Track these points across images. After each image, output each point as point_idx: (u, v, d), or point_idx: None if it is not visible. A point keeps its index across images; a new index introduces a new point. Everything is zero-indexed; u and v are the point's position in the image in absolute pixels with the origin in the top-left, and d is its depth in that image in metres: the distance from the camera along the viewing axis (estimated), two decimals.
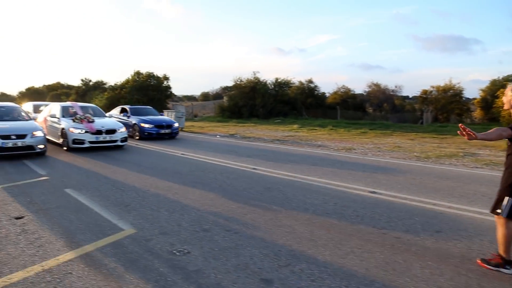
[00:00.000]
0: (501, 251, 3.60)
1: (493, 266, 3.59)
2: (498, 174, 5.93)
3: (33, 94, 60.35)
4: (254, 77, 33.55)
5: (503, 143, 3.97)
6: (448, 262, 3.72)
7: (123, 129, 12.03)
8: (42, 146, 9.75)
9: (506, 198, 3.51)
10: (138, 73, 36.46)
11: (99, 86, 47.06)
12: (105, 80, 48.44)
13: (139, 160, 9.85)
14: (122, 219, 4.76)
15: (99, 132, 11.31)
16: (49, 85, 66.05)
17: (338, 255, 3.81)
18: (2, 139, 8.99)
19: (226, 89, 47.52)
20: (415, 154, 11.55)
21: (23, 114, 11.17)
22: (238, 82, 34.08)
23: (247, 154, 11.13)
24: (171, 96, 39.73)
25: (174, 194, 6.13)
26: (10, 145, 9.06)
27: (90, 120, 11.62)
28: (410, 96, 48.61)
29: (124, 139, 11.94)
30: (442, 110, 29.95)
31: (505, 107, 3.65)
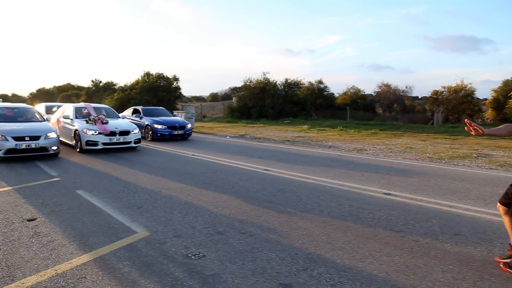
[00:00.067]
0: None
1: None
2: None
3: (43, 95, 61.03)
4: (264, 77, 33.52)
5: None
6: (469, 266, 3.60)
7: (137, 131, 11.95)
8: (55, 148, 9.73)
9: None
10: (148, 74, 36.68)
11: (109, 87, 47.41)
12: (115, 81, 48.89)
13: (149, 161, 9.82)
14: (135, 221, 4.70)
15: (112, 133, 11.24)
16: (59, 86, 66.78)
17: (356, 258, 3.71)
18: (16, 140, 8.98)
19: (235, 89, 47.48)
20: (427, 155, 11.37)
21: (36, 115, 11.15)
22: (247, 83, 34.04)
23: (258, 155, 11.05)
24: (181, 97, 39.87)
25: (187, 195, 6.07)
26: (23, 146, 9.05)
27: (104, 121, 11.57)
28: (420, 97, 48.17)
29: (137, 141, 11.88)
30: (453, 111, 29.55)
31: None
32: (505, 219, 3.64)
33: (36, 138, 9.28)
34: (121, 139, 11.38)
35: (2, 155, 8.86)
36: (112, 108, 14.30)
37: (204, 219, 4.84)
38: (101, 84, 50.13)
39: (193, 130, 19.72)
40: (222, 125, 25.97)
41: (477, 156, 11.06)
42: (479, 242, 4.22)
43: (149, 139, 14.88)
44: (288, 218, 4.97)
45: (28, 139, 9.14)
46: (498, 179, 7.76)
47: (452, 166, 9.56)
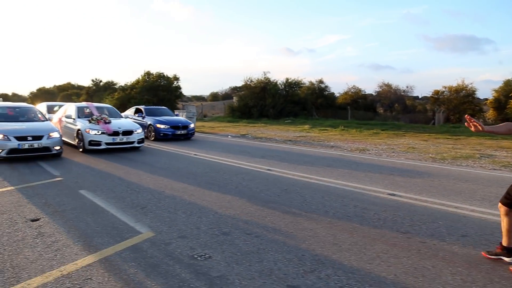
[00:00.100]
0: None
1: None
2: None
3: (44, 94, 60.99)
4: (265, 77, 33.50)
5: None
6: (479, 268, 3.56)
7: (140, 130, 11.84)
8: (58, 148, 9.64)
9: None
10: (148, 74, 36.63)
11: (109, 87, 47.38)
12: (115, 81, 48.81)
13: (152, 160, 9.78)
14: (139, 222, 4.67)
15: (116, 133, 11.13)
16: (59, 86, 66.72)
17: (364, 260, 3.67)
18: (18, 140, 8.89)
19: (235, 89, 47.47)
20: (430, 155, 11.33)
21: (38, 114, 11.05)
22: (248, 82, 34.00)
23: (260, 155, 11.01)
24: (181, 96, 39.83)
25: (190, 195, 6.03)
26: (26, 146, 8.97)
27: (107, 121, 11.46)
28: (420, 97, 48.15)
29: (141, 141, 11.78)
30: (454, 111, 29.53)
31: None
32: (504, 220, 3.67)
33: (39, 138, 9.20)
34: (124, 139, 11.28)
35: (5, 155, 8.78)
36: (114, 108, 14.16)
37: (209, 220, 4.80)
38: (101, 83, 50.09)
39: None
40: (223, 124, 25.93)
41: (480, 156, 11.02)
42: (487, 244, 4.18)
43: (152, 139, 14.79)
44: (293, 218, 4.93)
45: (30, 139, 9.06)
46: (502, 180, 7.71)
47: (456, 166, 9.52)
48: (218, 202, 5.64)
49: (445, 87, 31.04)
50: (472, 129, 3.37)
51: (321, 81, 36.23)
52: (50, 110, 15.24)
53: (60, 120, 12.58)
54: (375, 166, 9.26)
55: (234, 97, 42.29)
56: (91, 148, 10.84)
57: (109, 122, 11.45)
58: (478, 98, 31.65)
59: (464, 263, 3.68)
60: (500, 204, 3.72)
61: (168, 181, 7.15)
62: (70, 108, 12.71)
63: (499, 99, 28.43)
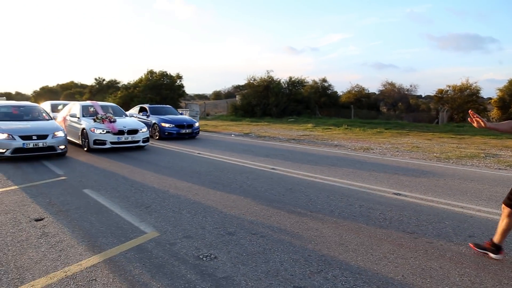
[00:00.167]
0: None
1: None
2: None
3: (47, 93, 61.04)
4: (268, 76, 33.42)
5: None
6: (487, 269, 3.52)
7: (145, 129, 11.76)
8: (63, 147, 9.59)
9: None
10: (151, 72, 36.63)
11: (112, 85, 47.38)
12: (118, 79, 48.74)
13: (155, 159, 9.76)
14: (143, 222, 4.64)
15: (121, 132, 11.06)
16: (63, 84, 66.79)
17: (371, 261, 3.63)
18: (23, 139, 8.83)
19: (238, 88, 47.41)
20: (434, 154, 11.26)
21: (43, 113, 10.97)
22: (251, 81, 33.94)
23: (264, 154, 10.97)
24: (184, 95, 39.83)
25: (195, 195, 6.00)
26: (31, 145, 8.90)
27: (112, 120, 11.37)
28: (423, 96, 47.97)
29: (146, 140, 11.70)
30: (458, 110, 29.41)
31: None
32: (504, 220, 3.67)
33: (44, 137, 9.14)
34: (130, 138, 11.20)
35: (10, 155, 8.72)
36: (119, 106, 14.05)
37: (214, 219, 4.77)
38: (104, 82, 50.07)
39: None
40: (226, 123, 25.89)
41: (485, 156, 10.94)
42: None
43: (156, 138, 14.71)
44: (298, 218, 4.89)
45: (35, 138, 9.00)
46: (508, 180, 7.65)
47: (461, 166, 9.45)
48: (223, 202, 5.60)
49: (449, 86, 30.97)
50: (475, 124, 3.38)
51: (324, 80, 36.18)
52: (54, 109, 15.19)
53: (64, 119, 12.52)
54: (379, 165, 9.21)
55: (237, 96, 42.24)
56: (96, 148, 10.77)
57: (114, 121, 11.36)
58: (482, 97, 31.54)
59: (472, 264, 3.64)
60: (503, 205, 3.72)
61: (172, 180, 7.12)
62: (74, 107, 12.62)
63: (504, 98, 28.30)
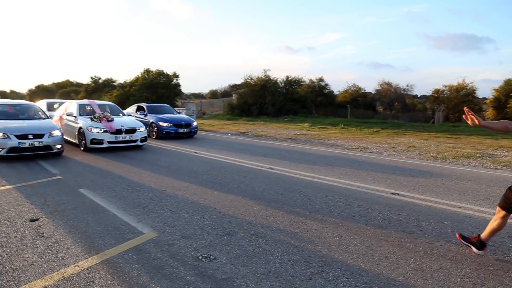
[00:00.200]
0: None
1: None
2: None
3: (42, 91, 60.54)
4: (265, 75, 33.31)
5: None
6: (487, 270, 3.51)
7: (143, 129, 11.56)
8: (59, 146, 9.41)
9: None
10: (147, 71, 36.48)
11: (108, 84, 47.15)
12: (114, 78, 48.56)
13: (152, 158, 9.68)
14: (141, 222, 4.58)
15: (118, 131, 10.89)
16: (58, 83, 66.36)
17: (371, 261, 3.60)
18: (19, 138, 8.63)
19: (234, 87, 47.32)
20: (431, 154, 11.27)
21: (39, 112, 10.75)
22: (248, 80, 33.85)
23: (261, 153, 10.93)
24: (180, 94, 39.69)
25: (192, 194, 5.95)
26: (27, 145, 8.69)
27: (110, 119, 11.18)
28: (419, 95, 48.11)
29: (144, 139, 11.53)
30: (454, 110, 29.47)
31: None
32: (496, 221, 3.72)
33: (40, 136, 8.96)
34: (127, 137, 11.02)
35: (5, 154, 8.52)
36: (116, 105, 13.80)
37: (212, 220, 4.72)
38: (100, 80, 49.81)
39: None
40: (223, 122, 25.81)
41: (481, 156, 10.97)
42: (494, 245, 4.12)
43: (154, 137, 14.55)
44: (297, 218, 4.85)
45: (31, 137, 8.80)
46: (505, 180, 7.65)
47: (457, 166, 9.46)
48: (221, 202, 5.56)
49: (445, 86, 31.02)
50: (469, 122, 3.39)
51: (321, 79, 36.15)
52: (50, 107, 14.95)
53: (61, 118, 12.30)
54: (377, 165, 9.19)
55: (233, 95, 42.12)
56: (93, 147, 10.60)
57: (112, 120, 11.18)
58: (477, 97, 31.66)
59: (472, 264, 3.62)
60: (498, 208, 3.76)
61: (169, 179, 7.06)
62: (71, 105, 12.39)
63: (499, 98, 28.40)
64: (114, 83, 46.07)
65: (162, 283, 3.06)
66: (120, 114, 12.59)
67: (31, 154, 8.99)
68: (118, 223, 4.53)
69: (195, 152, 10.92)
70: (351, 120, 25.78)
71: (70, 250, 3.70)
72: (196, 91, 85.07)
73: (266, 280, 3.15)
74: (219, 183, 6.78)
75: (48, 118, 10.72)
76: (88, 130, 10.61)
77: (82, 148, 10.86)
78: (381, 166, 9.03)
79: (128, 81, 38.09)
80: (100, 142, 10.62)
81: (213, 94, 77.15)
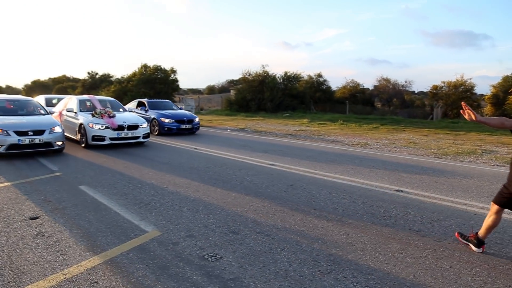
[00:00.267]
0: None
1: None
2: None
3: (38, 87, 60.16)
4: (263, 70, 33.16)
5: None
6: (498, 269, 3.45)
7: (145, 125, 11.33)
8: (60, 143, 9.17)
9: None
10: (145, 66, 36.25)
11: (105, 79, 46.87)
12: (111, 73, 48.25)
13: (152, 155, 9.58)
14: (144, 220, 4.49)
15: (121, 128, 10.62)
16: (54, 78, 65.84)
17: (380, 260, 3.53)
18: (19, 135, 8.37)
19: (232, 82, 47.16)
20: (432, 150, 11.23)
21: (39, 108, 10.48)
22: (246, 76, 33.68)
23: (261, 149, 10.84)
24: (178, 89, 39.50)
25: (195, 191, 5.86)
26: (27, 142, 8.45)
27: (111, 114, 10.93)
28: (416, 91, 48.06)
29: (146, 135, 11.27)
30: (452, 106, 29.45)
31: None
32: (492, 217, 3.75)
33: (40, 132, 8.72)
34: (130, 133, 10.79)
35: (4, 151, 8.26)
36: (117, 101, 13.47)
37: (216, 217, 4.63)
38: (97, 76, 49.49)
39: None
40: (221, 118, 25.68)
41: (482, 152, 10.93)
42: (503, 244, 4.07)
43: (155, 134, 14.28)
44: (302, 216, 4.78)
45: (31, 133, 8.55)
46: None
47: (459, 162, 9.41)
48: (224, 199, 5.47)
49: (444, 82, 31.00)
50: (466, 116, 3.41)
51: (319, 75, 36.03)
52: (49, 103, 14.67)
53: (60, 114, 12.02)
54: (378, 161, 9.13)
55: (231, 90, 41.97)
56: (94, 144, 10.36)
57: (114, 116, 10.91)
58: (475, 94, 31.64)
59: (482, 263, 3.56)
60: (492, 203, 3.79)
61: (171, 176, 6.96)
62: (71, 101, 12.11)
63: (497, 95, 28.41)
64: (111, 79, 45.83)
65: (169, 283, 2.98)
66: (121, 110, 12.34)
67: (31, 151, 8.76)
68: (120, 221, 4.44)
69: (195, 148, 10.82)
70: (350, 116, 25.72)
71: (72, 249, 3.61)
72: (193, 87, 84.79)
73: (274, 280, 3.08)
74: (221, 180, 6.70)
75: (48, 114, 10.43)
76: (90, 126, 10.36)
77: (83, 145, 10.61)
78: (383, 163, 8.96)
79: (125, 77, 37.86)
80: (102, 138, 10.37)
81: (211, 90, 76.88)
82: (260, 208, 5.07)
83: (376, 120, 22.80)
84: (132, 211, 4.82)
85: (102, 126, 10.41)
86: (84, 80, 50.54)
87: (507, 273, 3.37)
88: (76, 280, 3.01)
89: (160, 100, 17.43)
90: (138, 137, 11.02)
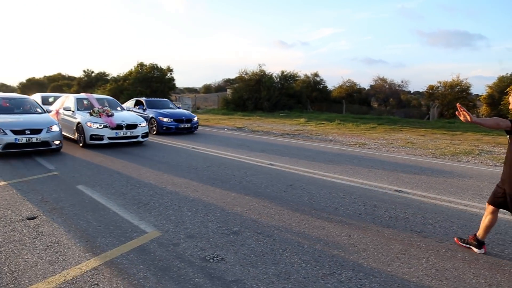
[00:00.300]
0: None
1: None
2: None
3: (33, 85, 59.65)
4: (260, 69, 33.07)
5: None
6: (501, 270, 3.43)
7: (144, 124, 11.20)
8: (58, 142, 9.02)
9: None
10: (141, 65, 36.05)
11: (101, 78, 46.62)
12: (107, 72, 48.01)
13: (150, 154, 9.50)
14: (143, 220, 4.43)
15: (119, 127, 10.47)
16: (50, 76, 65.41)
17: (383, 261, 3.50)
18: (15, 134, 8.21)
19: (229, 81, 47.05)
20: (430, 151, 11.23)
21: (36, 106, 10.30)
22: (243, 75, 33.59)
23: (259, 149, 10.80)
24: (174, 88, 39.33)
25: (194, 191, 5.81)
26: (24, 141, 8.30)
27: (110, 113, 10.76)
28: (412, 91, 48.19)
29: (145, 135, 11.14)
30: (448, 106, 29.52)
31: (511, 106, 3.75)
32: (488, 217, 3.76)
33: (38, 131, 8.55)
34: (128, 133, 10.63)
35: (0, 150, 8.10)
36: (115, 99, 13.29)
37: (216, 218, 4.59)
38: (93, 74, 49.21)
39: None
40: (218, 117, 25.60)
41: (480, 152, 10.95)
42: (505, 244, 4.06)
43: (154, 133, 14.09)
44: (303, 216, 4.74)
45: (28, 132, 8.40)
46: None
47: (457, 162, 9.42)
48: (224, 199, 5.42)
49: (440, 82, 31.06)
50: (461, 118, 3.40)
51: (316, 74, 35.97)
52: (45, 101, 14.41)
53: (57, 113, 11.83)
54: (377, 161, 9.12)
55: (228, 90, 41.87)
56: (92, 143, 10.20)
57: (112, 115, 10.76)
58: (470, 94, 31.75)
59: (485, 264, 3.54)
60: (487, 203, 3.82)
61: (169, 176, 6.90)
62: (68, 99, 11.92)
63: (493, 95, 28.47)
64: (107, 77, 45.57)
65: (170, 285, 2.93)
66: (119, 109, 12.18)
67: (29, 151, 8.62)
68: (119, 221, 4.38)
69: (193, 147, 10.76)
70: (346, 116, 25.73)
71: (71, 250, 3.55)
72: (190, 85, 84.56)
73: (277, 282, 3.04)
74: (220, 180, 6.65)
75: (45, 112, 10.25)
76: (88, 125, 10.20)
77: (81, 144, 10.45)
78: (381, 163, 8.95)
79: (121, 75, 37.64)
80: (100, 138, 10.22)
81: (207, 89, 76.73)
82: (260, 208, 5.03)
83: (373, 120, 22.82)
84: (131, 211, 4.76)
85: (100, 125, 10.26)
86: (80, 78, 50.22)
87: (511, 275, 3.35)
88: (76, 282, 2.96)
89: (158, 99, 17.27)
90: (137, 137, 10.88)
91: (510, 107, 3.79)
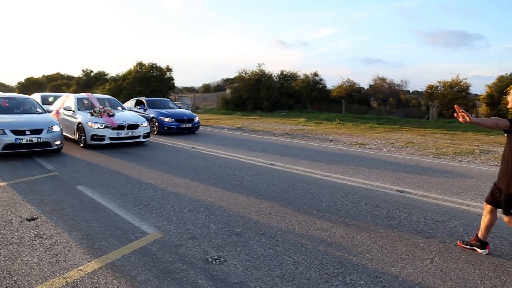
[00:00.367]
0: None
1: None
2: None
3: (32, 84, 59.52)
4: (259, 69, 32.99)
5: None
6: (506, 272, 3.40)
7: (146, 124, 11.07)
8: (58, 143, 8.91)
9: None
10: (140, 64, 35.94)
11: (100, 77, 46.51)
12: (106, 71, 47.91)
13: (150, 154, 9.46)
14: (144, 221, 4.39)
15: (120, 127, 10.34)
16: (48, 76, 65.28)
17: (387, 263, 3.47)
18: (16, 134, 8.09)
19: (228, 81, 46.96)
20: (430, 150, 11.21)
21: (36, 106, 10.17)
22: (242, 74, 33.52)
23: (260, 149, 10.76)
24: (173, 87, 39.23)
25: (195, 192, 5.77)
26: (24, 141, 8.17)
27: (111, 113, 10.65)
28: (411, 91, 48.17)
29: (146, 135, 11.02)
30: (448, 106, 29.50)
31: (509, 105, 3.75)
32: (487, 217, 3.75)
33: (38, 131, 8.43)
34: (130, 133, 10.50)
35: (0, 151, 7.99)
36: (116, 99, 13.16)
37: (218, 219, 4.54)
38: (92, 73, 49.10)
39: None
40: (218, 117, 25.54)
41: (480, 152, 10.94)
42: (509, 245, 4.03)
43: (154, 133, 13.98)
44: (305, 217, 4.70)
45: (29, 133, 8.28)
46: None
47: (458, 162, 9.39)
48: (225, 199, 5.38)
49: (439, 82, 31.04)
50: (460, 119, 3.39)
51: (315, 74, 35.92)
52: (45, 101, 14.32)
53: (57, 112, 11.72)
54: (378, 161, 9.09)
55: (227, 89, 41.79)
56: (93, 143, 10.08)
57: (113, 115, 10.64)
58: (469, 94, 31.74)
59: (489, 265, 3.51)
60: (485, 203, 3.81)
61: (170, 176, 6.86)
62: (68, 99, 11.81)
63: (492, 95, 28.45)
64: (106, 76, 45.48)
65: (173, 287, 2.89)
66: (120, 109, 12.06)
67: (29, 151, 8.50)
68: (120, 222, 4.34)
69: (193, 147, 10.71)
70: (346, 115, 25.71)
71: (71, 252, 3.50)
72: (189, 85, 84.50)
73: (281, 284, 3.00)
74: (221, 180, 6.61)
75: (45, 112, 10.12)
76: (88, 125, 10.08)
77: (81, 145, 10.33)
78: (382, 163, 8.92)
79: (120, 75, 37.53)
80: (101, 138, 10.09)
81: (206, 88, 76.70)
82: (262, 209, 4.99)
83: (372, 119, 22.79)
84: (131, 212, 4.72)
85: (101, 125, 10.15)
86: (79, 78, 50.12)
87: None
88: (76, 284, 2.91)
89: (159, 98, 17.17)
90: (138, 137, 10.77)
91: (509, 106, 3.78)
